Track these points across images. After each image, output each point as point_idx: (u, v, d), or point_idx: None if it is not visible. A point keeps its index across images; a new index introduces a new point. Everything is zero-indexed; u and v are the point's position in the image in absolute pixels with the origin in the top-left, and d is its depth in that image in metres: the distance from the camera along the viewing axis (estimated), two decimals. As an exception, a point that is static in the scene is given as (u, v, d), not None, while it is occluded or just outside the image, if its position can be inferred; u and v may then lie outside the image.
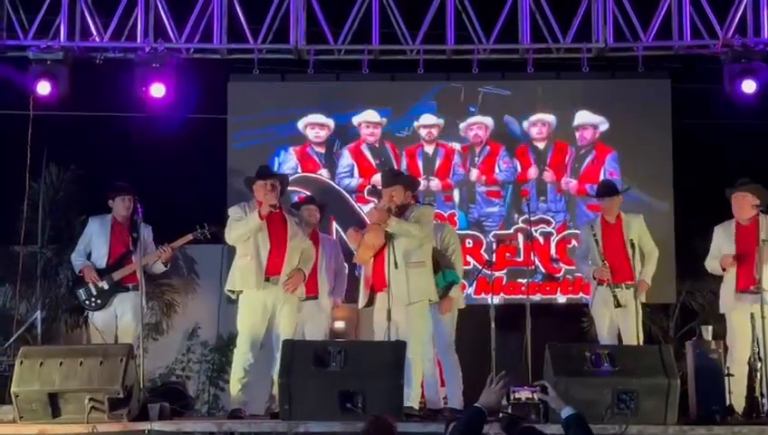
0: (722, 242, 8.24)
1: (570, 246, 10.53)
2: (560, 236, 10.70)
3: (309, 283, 8.18)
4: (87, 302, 8.25)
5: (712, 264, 8.30)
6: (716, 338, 7.58)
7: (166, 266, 8.52)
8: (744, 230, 8.15)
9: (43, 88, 9.76)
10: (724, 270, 8.13)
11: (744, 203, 8.14)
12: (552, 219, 10.73)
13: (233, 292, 7.88)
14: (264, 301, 7.75)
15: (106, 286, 8.21)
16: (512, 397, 4.73)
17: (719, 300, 8.29)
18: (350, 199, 10.78)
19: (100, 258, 8.31)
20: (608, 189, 8.63)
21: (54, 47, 9.84)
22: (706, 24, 9.94)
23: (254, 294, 7.74)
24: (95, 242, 8.38)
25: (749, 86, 9.66)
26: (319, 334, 8.41)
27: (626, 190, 8.66)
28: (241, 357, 7.75)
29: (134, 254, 8.20)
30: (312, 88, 10.77)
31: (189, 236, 8.39)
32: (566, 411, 4.71)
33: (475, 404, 4.74)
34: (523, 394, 4.75)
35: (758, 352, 7.73)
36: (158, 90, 9.82)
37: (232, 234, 7.83)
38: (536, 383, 4.81)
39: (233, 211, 7.93)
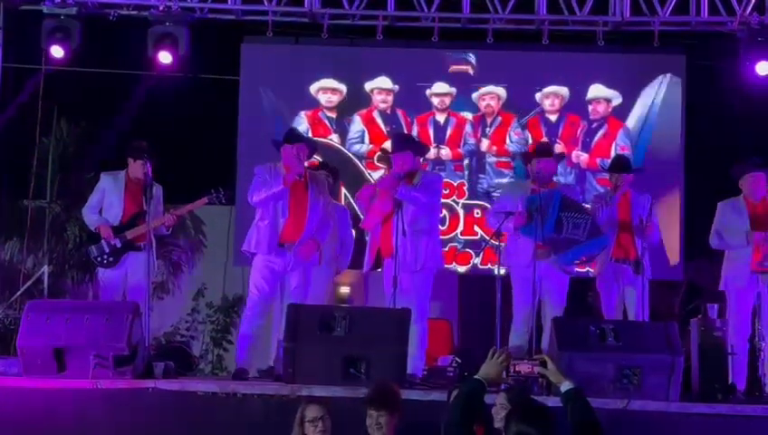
0: (730, 219, 8.17)
1: (578, 219, 10.49)
2: (569, 209, 10.65)
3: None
4: (99, 259, 8.16)
5: (733, 239, 8.09)
6: (722, 316, 7.59)
7: (168, 231, 8.46)
8: (758, 209, 8.12)
9: (56, 52, 9.74)
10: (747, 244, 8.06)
11: (757, 183, 8.11)
12: (561, 192, 10.68)
13: (248, 251, 7.86)
14: (275, 266, 7.73)
15: (119, 245, 8.12)
16: (512, 370, 4.73)
17: (723, 277, 8.24)
18: (360, 165, 10.76)
19: (114, 216, 8.19)
20: (621, 165, 8.59)
21: (68, 2, 9.79)
22: (724, 0, 9.86)
23: (266, 258, 7.72)
24: (109, 199, 8.24)
25: (764, 68, 9.61)
26: (320, 302, 8.20)
27: (640, 170, 8.60)
28: (249, 319, 7.76)
29: (147, 213, 8.13)
30: (325, 52, 10.71)
31: (204, 200, 8.30)
32: (565, 386, 4.70)
33: (475, 376, 4.74)
34: (523, 368, 4.75)
35: (761, 331, 7.75)
36: (165, 57, 9.79)
37: (254, 196, 7.75)
38: (536, 357, 4.81)
39: (259, 172, 7.83)
